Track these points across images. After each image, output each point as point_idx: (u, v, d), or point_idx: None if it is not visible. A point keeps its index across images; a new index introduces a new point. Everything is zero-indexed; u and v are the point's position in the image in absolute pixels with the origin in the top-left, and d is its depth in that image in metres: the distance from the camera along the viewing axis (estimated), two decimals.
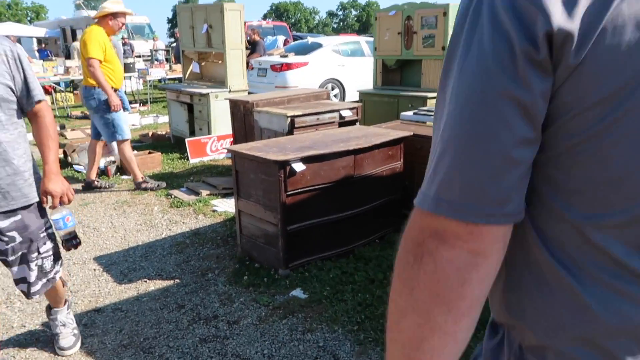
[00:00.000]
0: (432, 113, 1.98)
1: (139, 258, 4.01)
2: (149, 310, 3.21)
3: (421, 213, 0.68)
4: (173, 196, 5.40)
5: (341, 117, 5.32)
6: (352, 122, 5.55)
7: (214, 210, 4.96)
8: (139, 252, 4.12)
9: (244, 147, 3.69)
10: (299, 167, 3.36)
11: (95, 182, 5.74)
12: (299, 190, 3.47)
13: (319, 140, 3.85)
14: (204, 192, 5.37)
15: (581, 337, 0.68)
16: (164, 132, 8.69)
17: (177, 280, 3.60)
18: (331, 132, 4.22)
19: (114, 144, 5.71)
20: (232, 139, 6.96)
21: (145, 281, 3.62)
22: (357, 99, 9.22)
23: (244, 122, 5.79)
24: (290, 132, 4.92)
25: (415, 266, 0.68)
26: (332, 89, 11.30)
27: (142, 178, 5.67)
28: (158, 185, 5.69)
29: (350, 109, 5.45)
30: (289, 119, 4.89)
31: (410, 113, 5.62)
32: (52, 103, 12.17)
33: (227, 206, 5.07)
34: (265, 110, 5.20)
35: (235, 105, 5.87)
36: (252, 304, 3.22)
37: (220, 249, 4.09)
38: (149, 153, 6.82)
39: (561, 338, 0.70)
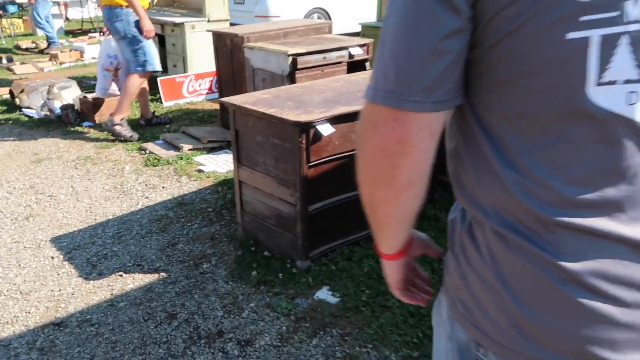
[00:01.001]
0: None
1: (110, 239, 3.14)
2: (129, 323, 2.41)
3: (364, 104, 0.77)
4: (148, 151, 4.45)
5: (350, 55, 4.41)
6: (362, 63, 4.66)
7: (199, 171, 4.08)
8: (110, 230, 3.25)
9: (247, 100, 2.77)
10: (326, 129, 2.49)
11: (154, 118, 5.21)
12: (324, 160, 2.63)
13: (343, 91, 2.96)
14: (186, 147, 4.44)
15: (507, 212, 0.76)
16: None
17: (163, 274, 2.78)
18: (354, 79, 3.32)
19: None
20: (213, 78, 5.95)
21: (121, 275, 2.79)
22: (345, 32, 8.19)
23: (231, 60, 4.79)
24: (291, 74, 4.01)
25: (359, 151, 0.81)
26: (318, 19, 10.14)
27: (120, 120, 4.72)
28: (131, 137, 4.72)
29: (361, 45, 4.53)
30: (291, 58, 3.96)
31: None
32: None
33: (215, 165, 4.18)
34: (259, 46, 4.22)
35: (219, 39, 4.83)
36: (267, 311, 2.45)
37: (214, 225, 3.26)
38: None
39: (492, 215, 0.78)
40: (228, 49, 4.77)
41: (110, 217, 3.41)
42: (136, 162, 4.28)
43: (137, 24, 4.52)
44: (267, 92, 2.93)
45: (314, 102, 2.72)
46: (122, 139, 4.68)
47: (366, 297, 2.48)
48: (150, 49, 4.68)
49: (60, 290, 2.67)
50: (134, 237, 3.15)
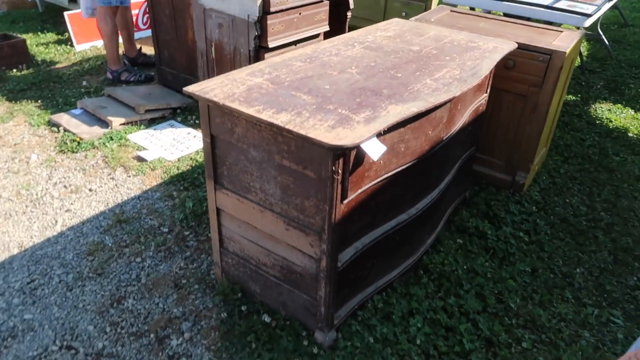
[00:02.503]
0: None
1: (17, 297, 2.07)
2: None
3: None
4: (62, 128, 3.22)
5: None
6: (345, 1, 3.60)
7: (140, 159, 2.96)
8: (17, 277, 2.16)
9: (232, 92, 1.69)
10: (376, 150, 1.51)
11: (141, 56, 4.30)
12: (363, 190, 1.67)
13: (371, 64, 1.95)
14: (116, 121, 3.25)
15: None
16: None
17: None
18: (371, 39, 2.27)
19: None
20: (141, 9, 4.60)
21: None
22: None
23: None
24: (260, 20, 2.90)
25: None
26: None
27: (119, 67, 3.96)
28: (147, 74, 4.03)
29: None
30: None
31: None
32: None
33: (160, 147, 3.07)
34: None
35: None
36: None
37: (176, 259, 2.25)
38: (5, 37, 4.28)
39: None
40: None
41: (15, 250, 2.29)
42: (46, 147, 3.06)
43: None
44: (258, 72, 1.85)
45: (341, 92, 1.70)
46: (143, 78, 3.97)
47: None
48: None
49: None
50: (57, 289, 2.09)
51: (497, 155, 2.76)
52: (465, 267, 2.19)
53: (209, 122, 1.75)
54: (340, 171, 1.50)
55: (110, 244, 2.32)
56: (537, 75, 2.48)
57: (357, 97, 1.68)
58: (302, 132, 1.44)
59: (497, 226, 2.47)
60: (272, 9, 2.89)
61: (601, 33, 4.78)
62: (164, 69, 3.87)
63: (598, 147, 3.26)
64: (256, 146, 1.65)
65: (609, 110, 3.80)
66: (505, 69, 2.52)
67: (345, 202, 1.59)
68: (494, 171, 2.79)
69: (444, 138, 1.98)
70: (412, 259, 2.15)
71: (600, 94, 4.07)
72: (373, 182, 1.70)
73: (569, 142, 3.29)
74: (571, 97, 3.97)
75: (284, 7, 2.96)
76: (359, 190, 1.64)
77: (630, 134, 3.46)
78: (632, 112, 3.78)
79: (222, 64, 3.24)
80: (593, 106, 3.85)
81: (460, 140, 2.26)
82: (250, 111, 1.55)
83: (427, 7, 4.52)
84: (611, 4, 3.74)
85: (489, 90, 2.40)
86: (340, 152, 1.45)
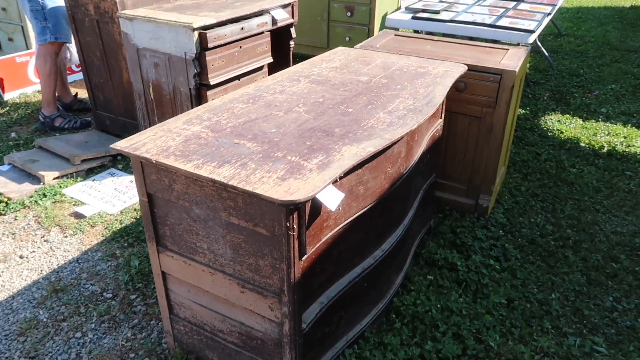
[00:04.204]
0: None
1: None
2: None
3: None
4: None
5: (274, 21, 3.22)
6: (286, 30, 3.51)
7: (77, 215, 2.70)
8: None
9: (166, 145, 1.50)
10: (334, 199, 1.36)
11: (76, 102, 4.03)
12: (323, 241, 1.51)
13: (319, 100, 1.81)
14: (49, 175, 2.98)
15: None
16: None
17: None
18: (317, 72, 2.14)
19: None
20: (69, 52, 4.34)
21: None
22: None
23: (100, 35, 3.30)
24: (198, 56, 2.75)
25: None
26: None
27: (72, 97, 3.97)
28: (82, 121, 3.77)
29: (284, 6, 3.35)
30: (197, 33, 2.70)
31: (402, 15, 3.74)
32: None
33: (99, 200, 2.82)
34: (143, 15, 2.85)
35: (77, 3, 3.29)
36: None
37: (122, 329, 2.01)
38: None
39: None
40: (92, 18, 3.26)
41: None
42: None
43: None
44: (196, 118, 1.67)
45: (289, 136, 1.55)
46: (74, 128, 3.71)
47: None
48: (56, 11, 3.46)
49: None
50: None
51: (458, 180, 2.67)
52: (438, 305, 2.05)
53: (144, 179, 1.55)
54: (295, 226, 1.34)
55: (45, 319, 2.06)
56: (490, 96, 2.42)
57: (308, 139, 1.53)
58: (249, 187, 1.27)
59: (466, 255, 2.35)
60: (210, 45, 2.74)
61: (540, 45, 4.87)
62: (100, 114, 3.62)
63: (554, 160, 3.24)
64: (199, 203, 1.46)
65: (559, 121, 3.81)
66: (457, 91, 2.44)
67: (304, 258, 1.42)
68: (456, 196, 2.69)
69: (404, 172, 1.85)
70: (383, 303, 2.00)
71: (548, 106, 4.10)
72: (333, 231, 1.54)
73: (526, 157, 3.26)
74: (521, 111, 3.97)
75: (222, 41, 2.81)
76: (319, 243, 1.48)
77: (582, 144, 3.47)
78: (581, 122, 3.81)
79: (162, 104, 3.05)
80: (543, 118, 3.86)
81: (420, 170, 2.14)
82: (188, 167, 1.37)
83: (370, 31, 4.48)
84: (549, 17, 3.79)
85: (443, 115, 2.31)
86: (294, 207, 1.29)
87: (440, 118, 2.29)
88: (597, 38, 5.94)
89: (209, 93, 2.88)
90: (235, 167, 1.36)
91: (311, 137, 1.55)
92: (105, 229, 2.59)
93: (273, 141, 1.52)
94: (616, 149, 3.40)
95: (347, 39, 4.61)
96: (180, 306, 1.77)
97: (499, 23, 3.35)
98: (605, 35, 6.03)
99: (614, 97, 4.27)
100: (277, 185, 1.27)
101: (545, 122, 3.79)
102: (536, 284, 2.21)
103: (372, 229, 1.79)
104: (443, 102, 2.25)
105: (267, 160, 1.40)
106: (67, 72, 4.24)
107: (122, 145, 1.50)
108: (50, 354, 1.91)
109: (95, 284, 2.23)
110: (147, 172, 1.53)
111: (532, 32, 3.15)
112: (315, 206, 1.39)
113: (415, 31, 3.84)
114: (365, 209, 1.66)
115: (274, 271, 1.43)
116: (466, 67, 2.25)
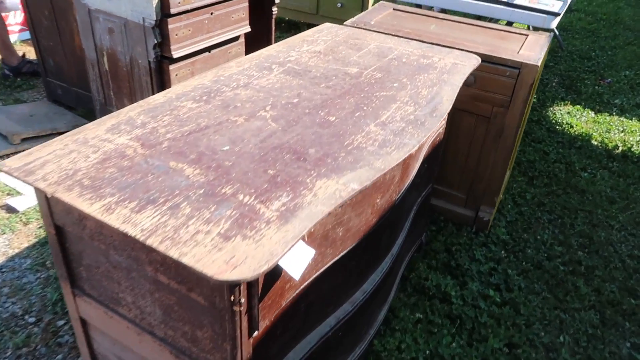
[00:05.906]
0: None
1: None
2: None
3: None
4: None
5: None
6: None
7: (9, 209, 2.29)
8: None
9: (69, 164, 1.10)
10: (300, 261, 0.98)
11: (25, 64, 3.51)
12: (284, 305, 1.14)
13: (293, 101, 1.40)
14: None
15: None
16: None
17: None
18: (305, 62, 1.71)
19: None
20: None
21: None
22: None
23: None
24: (159, 24, 2.31)
25: None
26: None
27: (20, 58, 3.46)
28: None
29: None
30: None
31: None
32: None
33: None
34: None
35: None
36: None
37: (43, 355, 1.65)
38: None
39: None
40: None
41: None
42: None
43: None
44: (127, 123, 1.26)
45: (246, 158, 1.14)
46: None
47: None
48: None
49: None
50: None
51: (456, 187, 2.30)
52: (427, 351, 1.71)
53: (49, 208, 1.15)
54: (244, 300, 0.96)
55: None
56: (504, 94, 2.02)
57: (271, 165, 1.13)
58: (174, 252, 0.88)
59: (461, 282, 2.01)
60: (173, 10, 2.28)
61: None
62: (51, 81, 3.15)
63: (564, 161, 2.87)
64: (117, 249, 1.07)
65: (569, 113, 3.43)
66: (464, 85, 2.03)
67: (255, 334, 1.05)
68: (453, 205, 2.33)
69: (396, 199, 1.47)
70: (361, 347, 1.65)
71: (557, 94, 3.71)
72: (300, 289, 1.17)
73: (532, 157, 2.88)
74: None
75: (189, 6, 2.35)
76: (278, 309, 1.11)
77: (594, 142, 3.10)
78: (593, 115, 3.43)
79: (118, 77, 2.60)
80: (551, 109, 3.47)
81: (416, 184, 1.76)
82: (94, 208, 0.97)
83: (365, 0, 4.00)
84: None
85: (446, 115, 1.91)
86: (231, 287, 0.91)
87: (443, 119, 1.89)
88: (610, 15, 5.50)
89: (171, 67, 2.44)
90: (163, 212, 0.97)
91: (276, 161, 1.15)
92: (40, 227, 2.19)
93: (223, 166, 1.12)
94: (632, 149, 3.04)
95: (339, 5, 4.12)
96: (105, 359, 1.40)
97: (517, 2, 2.90)
98: (617, 13, 5.59)
99: (628, 86, 3.89)
100: (216, 249, 0.89)
101: (554, 114, 3.40)
102: (542, 323, 1.88)
103: (353, 270, 1.42)
104: None
105: (210, 201, 1.00)
106: (7, 27, 3.73)
107: (14, 165, 1.09)
108: None
109: (17, 302, 1.85)
110: (53, 205, 1.12)
111: (556, 14, 2.71)
112: (274, 271, 1.01)
113: (417, 6, 3.38)
114: (345, 251, 1.28)
115: (215, 347, 1.06)
116: (479, 60, 1.83)
